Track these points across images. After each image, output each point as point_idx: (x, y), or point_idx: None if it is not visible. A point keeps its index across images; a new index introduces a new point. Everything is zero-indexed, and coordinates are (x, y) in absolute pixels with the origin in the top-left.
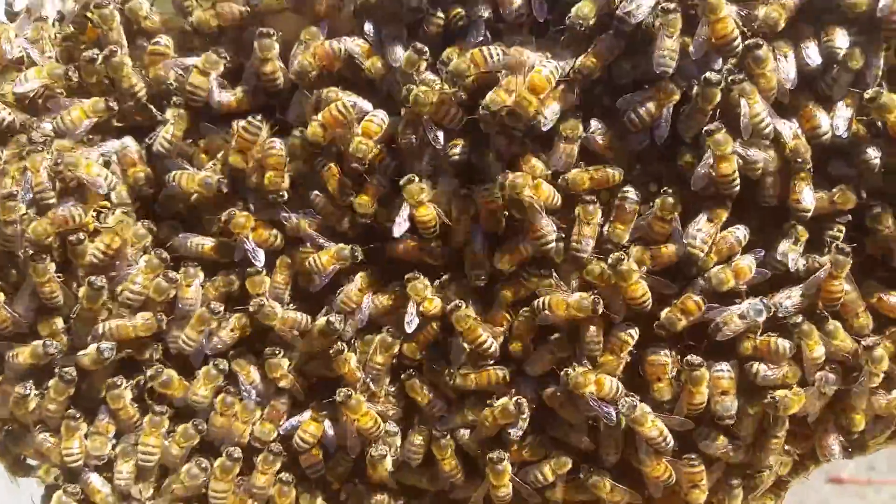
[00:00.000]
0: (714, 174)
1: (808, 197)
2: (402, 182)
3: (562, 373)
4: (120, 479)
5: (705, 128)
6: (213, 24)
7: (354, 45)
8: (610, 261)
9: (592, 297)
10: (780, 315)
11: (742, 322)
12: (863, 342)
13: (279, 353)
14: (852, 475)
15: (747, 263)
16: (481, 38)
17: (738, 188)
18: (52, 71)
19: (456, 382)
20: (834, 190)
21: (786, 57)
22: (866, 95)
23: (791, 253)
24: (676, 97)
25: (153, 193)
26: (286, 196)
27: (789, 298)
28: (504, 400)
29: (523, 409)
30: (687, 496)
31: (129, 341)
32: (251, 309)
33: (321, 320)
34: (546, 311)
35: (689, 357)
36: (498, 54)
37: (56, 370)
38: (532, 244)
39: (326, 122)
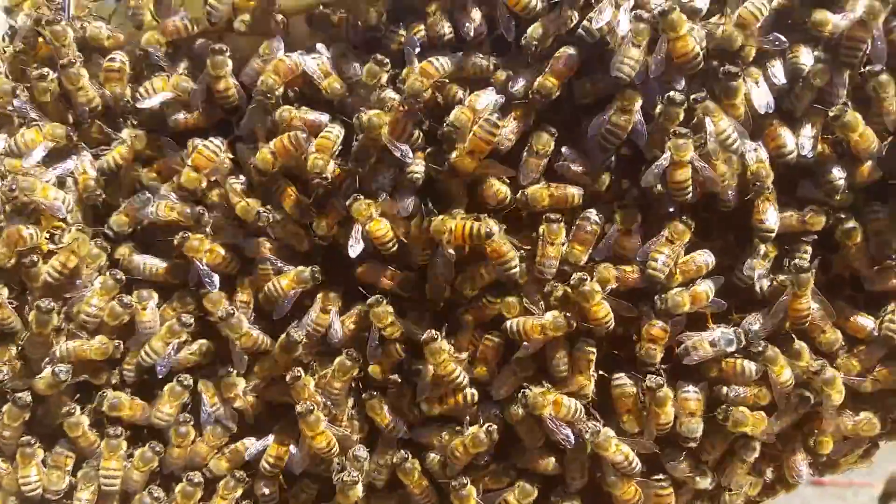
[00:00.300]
0: (667, 177)
1: (772, 217)
2: (347, 203)
3: (520, 394)
4: None
5: (673, 129)
6: (163, 42)
7: (313, 62)
8: (572, 281)
9: (564, 314)
10: (750, 340)
11: (712, 350)
12: (810, 367)
13: (233, 371)
14: (833, 478)
15: (704, 289)
16: (418, 50)
17: (689, 196)
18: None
19: (423, 409)
20: (805, 210)
21: (757, 83)
22: (831, 113)
23: (758, 268)
24: (639, 101)
25: (105, 209)
26: (270, 217)
27: (757, 323)
28: (474, 429)
29: (494, 437)
30: None
31: (86, 364)
32: (219, 314)
33: (282, 337)
34: (524, 341)
35: (648, 381)
36: (446, 62)
37: (9, 396)
38: (496, 269)
39: (277, 150)
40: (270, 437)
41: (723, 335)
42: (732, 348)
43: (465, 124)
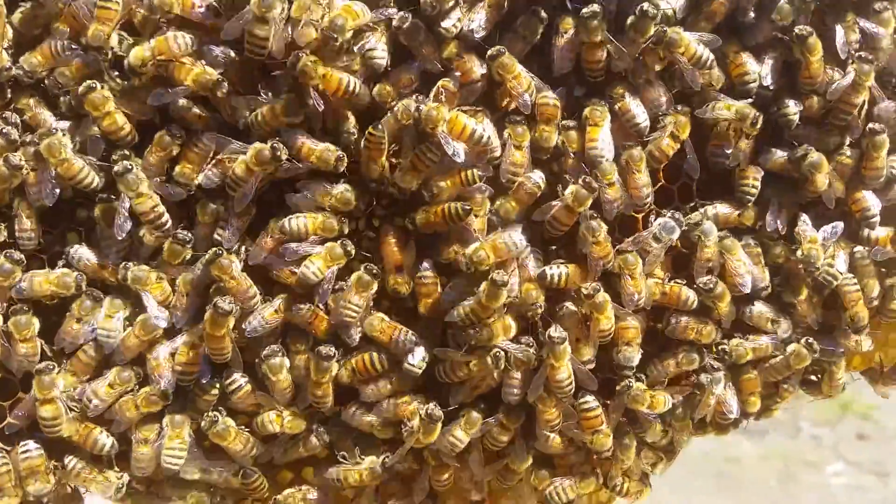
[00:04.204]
0: (582, 55)
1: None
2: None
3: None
4: None
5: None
6: None
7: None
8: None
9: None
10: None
11: (659, 245)
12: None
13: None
14: None
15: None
16: None
17: (601, 77)
18: None
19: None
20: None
21: None
22: (795, 31)
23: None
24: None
25: None
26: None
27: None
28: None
29: (438, 416)
30: (592, 444)
31: None
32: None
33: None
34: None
35: (583, 288)
36: None
37: None
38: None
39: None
40: (180, 339)
41: (661, 224)
42: (676, 234)
43: None
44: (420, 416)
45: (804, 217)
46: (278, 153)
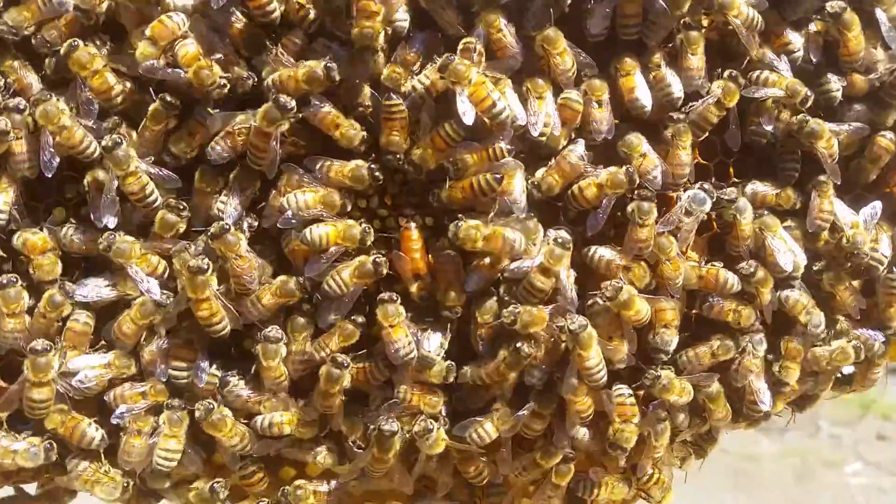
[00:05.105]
0: (618, 9)
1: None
2: None
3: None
4: None
5: None
6: None
7: None
8: None
9: None
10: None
11: (690, 218)
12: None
13: None
14: None
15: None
16: None
17: (634, 37)
18: None
19: None
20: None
21: None
22: (829, 9)
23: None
24: None
25: None
26: None
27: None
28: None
29: (428, 428)
30: (616, 434)
31: None
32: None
33: None
34: None
35: (605, 289)
36: None
37: None
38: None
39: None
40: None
41: (692, 196)
42: (707, 206)
43: None
44: (417, 430)
45: (838, 202)
46: (283, 103)
